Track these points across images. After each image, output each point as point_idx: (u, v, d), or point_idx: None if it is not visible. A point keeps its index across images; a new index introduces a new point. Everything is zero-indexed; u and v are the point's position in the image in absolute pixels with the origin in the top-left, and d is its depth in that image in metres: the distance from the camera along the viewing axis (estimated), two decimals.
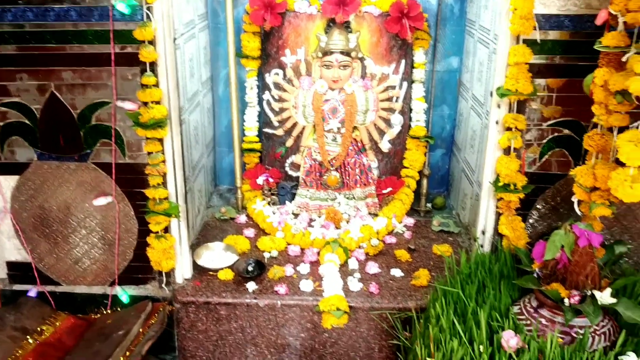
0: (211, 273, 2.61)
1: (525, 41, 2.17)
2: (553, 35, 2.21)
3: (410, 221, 3.06)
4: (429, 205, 3.20)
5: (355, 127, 3.04)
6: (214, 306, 2.49)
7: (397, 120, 3.07)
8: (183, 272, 2.56)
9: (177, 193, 2.45)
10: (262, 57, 3.06)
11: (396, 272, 2.63)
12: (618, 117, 1.86)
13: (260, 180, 3.09)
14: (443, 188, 3.40)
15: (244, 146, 3.16)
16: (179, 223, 2.48)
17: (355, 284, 2.53)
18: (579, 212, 2.11)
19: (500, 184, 2.30)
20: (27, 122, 2.37)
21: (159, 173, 2.34)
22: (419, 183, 3.14)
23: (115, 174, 2.41)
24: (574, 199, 2.09)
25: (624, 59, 1.79)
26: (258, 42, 3.01)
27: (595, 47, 1.91)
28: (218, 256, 2.69)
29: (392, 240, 2.90)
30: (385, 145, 3.11)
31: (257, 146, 3.17)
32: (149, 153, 2.33)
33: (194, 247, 2.74)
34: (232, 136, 3.09)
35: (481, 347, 1.91)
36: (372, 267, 2.65)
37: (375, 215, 3.04)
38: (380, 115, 3.05)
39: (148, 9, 2.16)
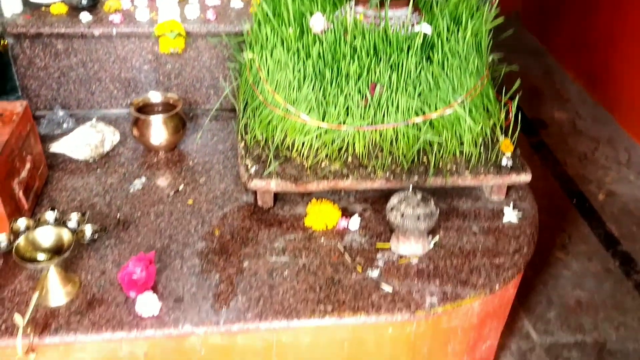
0: (44, 9, 2.54)
1: None
2: None
3: None
4: None
5: None
6: (48, 39, 2.45)
7: None
8: (12, 7, 2.48)
9: None
10: None
11: (236, 4, 2.66)
12: None
13: None
14: None
15: None
16: None
17: (192, 12, 2.54)
18: None
19: None
20: None
21: None
22: None
23: None
24: None
25: None
26: None
27: None
28: None
29: None
30: None
31: None
32: None
33: None
34: None
35: (290, 29, 2.03)
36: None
37: None
38: None
39: None
